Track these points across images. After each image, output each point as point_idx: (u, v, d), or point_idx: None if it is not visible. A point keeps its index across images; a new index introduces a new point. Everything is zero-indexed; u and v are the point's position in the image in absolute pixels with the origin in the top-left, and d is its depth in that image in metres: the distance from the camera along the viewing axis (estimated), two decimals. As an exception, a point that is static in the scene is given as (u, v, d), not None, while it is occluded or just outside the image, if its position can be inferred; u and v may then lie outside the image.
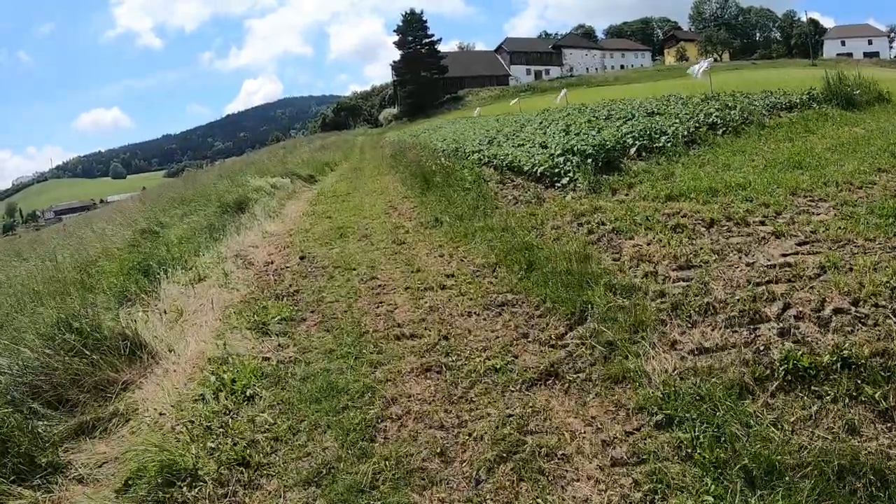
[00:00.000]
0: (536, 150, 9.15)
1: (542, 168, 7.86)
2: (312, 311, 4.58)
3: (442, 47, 63.38)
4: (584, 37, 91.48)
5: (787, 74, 24.50)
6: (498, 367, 3.25)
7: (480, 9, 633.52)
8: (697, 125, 8.72)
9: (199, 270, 6.29)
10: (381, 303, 4.59)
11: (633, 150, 7.86)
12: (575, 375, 3.05)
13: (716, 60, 74.11)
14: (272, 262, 6.28)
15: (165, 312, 5.19)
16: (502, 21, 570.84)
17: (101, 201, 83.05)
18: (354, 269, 5.56)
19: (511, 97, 55.86)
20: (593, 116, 12.67)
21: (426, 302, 4.45)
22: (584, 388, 2.92)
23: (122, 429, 3.25)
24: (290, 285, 5.32)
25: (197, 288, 5.82)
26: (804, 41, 70.19)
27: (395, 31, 61.60)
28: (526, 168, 8.37)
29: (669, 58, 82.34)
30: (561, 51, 79.59)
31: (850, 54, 64.30)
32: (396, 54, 62.27)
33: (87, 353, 3.80)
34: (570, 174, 7.32)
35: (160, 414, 3.27)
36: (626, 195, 6.07)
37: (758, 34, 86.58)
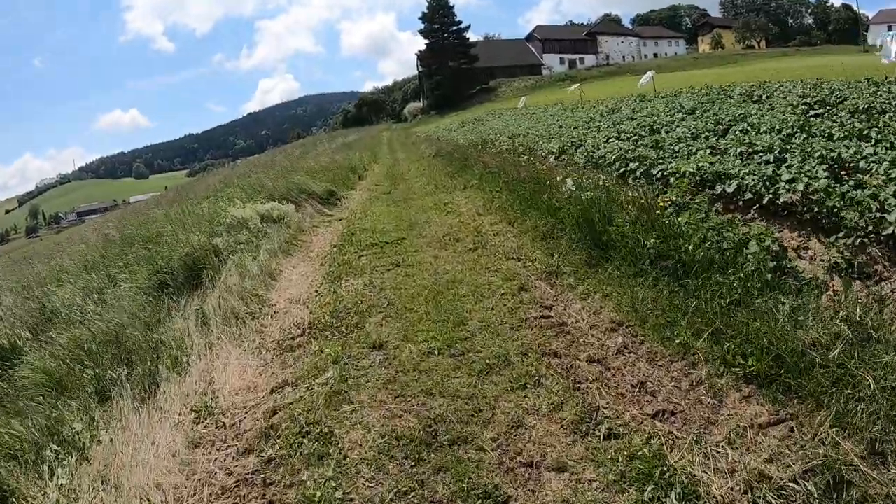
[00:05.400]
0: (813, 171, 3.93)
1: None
2: None
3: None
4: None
5: (866, 61, 18.49)
6: None
7: (492, 1, 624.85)
8: None
9: None
10: None
11: None
12: None
13: (751, 48, 66.95)
14: None
15: None
16: (516, 14, 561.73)
17: (124, 202, 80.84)
18: None
19: (547, 87, 50.53)
20: (792, 107, 7.48)
21: None
22: None
23: None
24: None
25: None
26: (842, 27, 63.68)
27: (420, 18, 56.29)
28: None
29: (704, 45, 76.38)
30: (595, 38, 72.99)
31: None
32: (410, 49, 57.82)
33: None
34: None
35: None
36: None
37: (790, 21, 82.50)
